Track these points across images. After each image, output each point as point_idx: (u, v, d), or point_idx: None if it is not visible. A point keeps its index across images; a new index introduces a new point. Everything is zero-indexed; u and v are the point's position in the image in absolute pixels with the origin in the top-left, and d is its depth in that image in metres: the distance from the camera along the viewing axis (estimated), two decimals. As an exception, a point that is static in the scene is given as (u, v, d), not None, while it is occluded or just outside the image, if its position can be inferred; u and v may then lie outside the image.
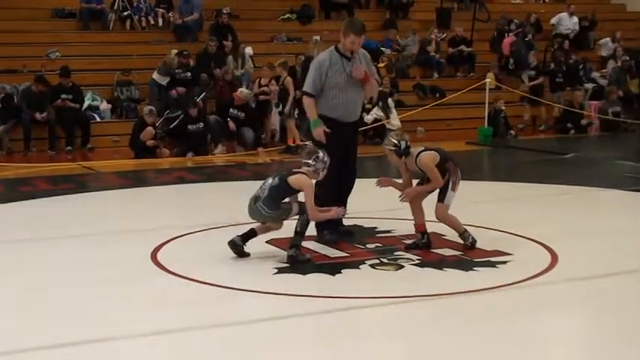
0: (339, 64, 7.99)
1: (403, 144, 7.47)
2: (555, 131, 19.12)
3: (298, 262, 7.05)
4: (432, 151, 7.51)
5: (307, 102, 8.02)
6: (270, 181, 7.28)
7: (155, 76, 17.12)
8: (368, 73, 8.04)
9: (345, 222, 8.21)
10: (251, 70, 18.17)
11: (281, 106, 16.40)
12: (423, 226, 7.64)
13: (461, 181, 7.66)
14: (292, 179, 7.16)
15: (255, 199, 7.22)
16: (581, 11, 23.37)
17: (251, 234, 7.35)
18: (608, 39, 22.68)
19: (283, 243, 7.51)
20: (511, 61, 20.47)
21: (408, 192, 7.59)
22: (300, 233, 7.17)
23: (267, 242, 7.70)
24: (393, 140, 7.53)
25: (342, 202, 7.83)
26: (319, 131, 7.86)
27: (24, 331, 5.47)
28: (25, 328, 5.55)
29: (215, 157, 15.15)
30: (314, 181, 7.26)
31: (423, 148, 7.60)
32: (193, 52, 17.81)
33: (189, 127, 15.26)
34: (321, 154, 7.29)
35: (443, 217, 7.57)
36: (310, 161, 7.25)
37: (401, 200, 7.62)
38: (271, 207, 7.18)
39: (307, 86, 8.02)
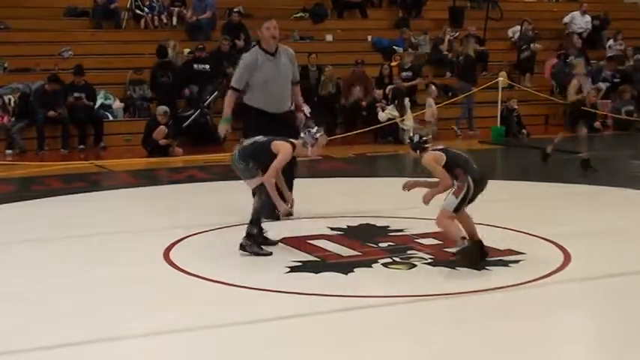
0: (266, 62, 8.78)
1: (417, 137, 7.17)
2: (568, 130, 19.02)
3: (247, 252, 7.26)
4: (439, 152, 7.03)
5: (228, 96, 9.01)
6: (260, 137, 7.42)
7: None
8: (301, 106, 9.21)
9: (356, 221, 8.22)
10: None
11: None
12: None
13: (476, 194, 7.00)
14: (275, 142, 7.32)
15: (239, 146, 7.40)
16: (593, 10, 23.31)
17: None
18: (612, 40, 22.61)
19: (296, 242, 7.52)
20: (554, 84, 20.09)
21: (407, 183, 7.31)
22: (253, 222, 7.34)
23: (279, 241, 7.70)
24: (410, 133, 7.47)
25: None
26: (222, 128, 9.02)
27: (23, 331, 5.48)
28: (36, 327, 5.57)
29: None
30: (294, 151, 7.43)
31: (440, 147, 7.19)
32: (207, 50, 17.82)
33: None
34: (313, 129, 7.43)
35: (438, 221, 7.01)
36: (302, 134, 7.38)
37: (403, 188, 7.31)
38: (242, 157, 7.35)
39: (234, 82, 8.95)
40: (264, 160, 7.36)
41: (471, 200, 6.98)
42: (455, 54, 20.18)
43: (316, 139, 7.39)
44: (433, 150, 7.06)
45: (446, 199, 6.88)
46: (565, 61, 20.49)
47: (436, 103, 18.46)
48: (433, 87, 18.38)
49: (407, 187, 7.29)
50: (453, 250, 6.94)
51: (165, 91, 16.80)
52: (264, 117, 8.74)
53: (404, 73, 18.60)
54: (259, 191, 7.36)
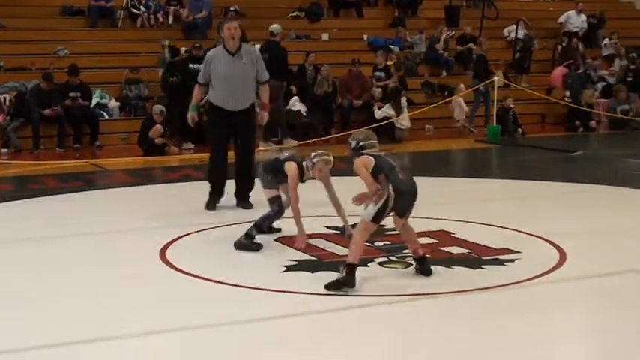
0: (225, 60, 9.24)
1: (354, 143, 6.72)
2: (563, 129, 19.08)
3: (241, 248, 7.43)
4: (370, 157, 6.58)
5: (195, 89, 9.56)
6: (281, 155, 7.87)
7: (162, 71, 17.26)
8: (266, 105, 9.71)
9: (351, 220, 8.19)
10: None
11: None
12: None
13: (400, 205, 6.47)
14: (287, 163, 7.54)
15: None
16: (589, 9, 23.34)
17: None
18: (607, 39, 22.65)
19: (292, 241, 7.52)
20: (567, 94, 20.01)
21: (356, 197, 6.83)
22: (256, 226, 7.58)
23: (275, 240, 7.71)
24: (350, 139, 6.93)
25: (238, 193, 9.48)
26: (191, 115, 9.60)
27: (23, 331, 5.48)
28: (31, 326, 5.57)
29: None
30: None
31: (376, 152, 6.69)
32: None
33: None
34: (312, 154, 7.56)
35: (355, 231, 6.65)
36: (306, 157, 7.58)
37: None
38: (265, 170, 7.70)
39: (199, 76, 9.55)
40: (281, 178, 7.58)
41: (400, 212, 6.56)
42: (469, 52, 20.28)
43: (314, 163, 7.46)
44: (368, 155, 6.64)
45: (366, 209, 6.50)
46: (576, 70, 20.52)
47: (431, 103, 18.50)
48: (462, 85, 18.42)
49: (355, 200, 6.73)
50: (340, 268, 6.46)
51: (175, 91, 16.77)
52: (222, 114, 9.30)
53: (377, 73, 18.48)
54: (272, 203, 7.65)
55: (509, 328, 5.53)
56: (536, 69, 21.42)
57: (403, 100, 17.28)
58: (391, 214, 6.52)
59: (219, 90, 9.33)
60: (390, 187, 6.39)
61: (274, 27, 16.78)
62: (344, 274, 6.28)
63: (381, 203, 6.39)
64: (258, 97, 9.75)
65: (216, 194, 9.55)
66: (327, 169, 7.59)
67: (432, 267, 6.83)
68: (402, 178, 6.46)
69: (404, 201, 6.47)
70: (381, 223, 8.34)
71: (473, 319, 5.70)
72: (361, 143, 6.67)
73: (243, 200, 9.50)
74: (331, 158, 7.60)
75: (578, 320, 5.92)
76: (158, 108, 15.28)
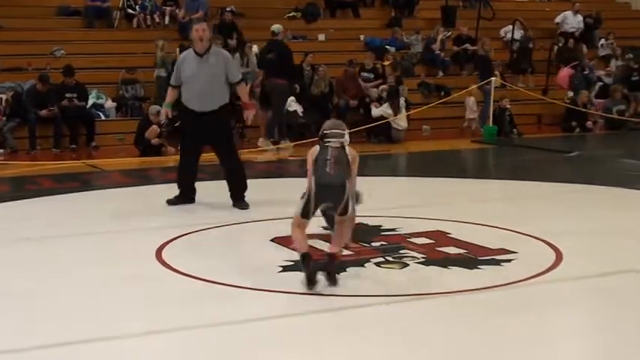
0: (193, 62, 9.42)
1: (321, 130, 6.59)
2: (560, 129, 19.10)
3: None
4: (317, 147, 6.53)
5: (168, 91, 9.85)
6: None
7: (157, 71, 17.24)
8: (248, 104, 10.07)
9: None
10: (256, 68, 18.17)
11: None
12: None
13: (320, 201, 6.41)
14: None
15: None
16: (585, 9, 23.36)
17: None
18: (603, 39, 22.67)
19: (288, 241, 7.52)
20: (570, 94, 20.00)
21: None
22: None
23: (271, 241, 7.71)
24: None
25: (232, 195, 9.56)
26: (164, 110, 9.98)
27: (26, 330, 5.48)
28: (27, 326, 5.56)
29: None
30: None
31: (335, 143, 6.50)
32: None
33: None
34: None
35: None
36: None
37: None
38: None
39: (171, 79, 9.84)
40: None
41: (320, 207, 6.53)
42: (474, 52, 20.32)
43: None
44: (323, 144, 6.54)
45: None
46: (582, 72, 20.54)
47: (427, 103, 18.51)
48: (474, 87, 18.46)
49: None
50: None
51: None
52: (192, 115, 9.46)
53: (364, 74, 18.40)
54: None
55: (508, 328, 5.53)
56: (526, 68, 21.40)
57: (402, 100, 17.28)
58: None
59: (187, 91, 9.49)
60: (313, 182, 6.35)
61: (276, 27, 16.83)
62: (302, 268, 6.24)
63: (305, 197, 6.38)
64: (238, 99, 9.87)
65: (182, 197, 9.73)
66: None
67: (430, 267, 6.84)
68: (326, 172, 6.33)
69: (322, 195, 6.34)
70: (378, 224, 8.44)
71: (471, 319, 5.70)
72: (325, 131, 6.53)
73: (238, 201, 9.52)
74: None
75: (576, 320, 5.92)
76: (155, 108, 15.25)
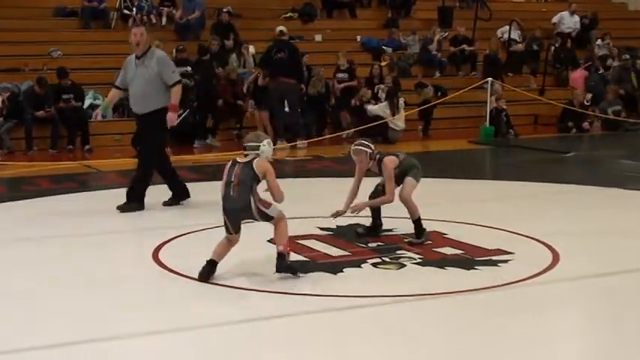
0: (133, 65, 9.70)
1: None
2: (556, 130, 19.11)
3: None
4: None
5: (110, 91, 10.24)
6: None
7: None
8: (172, 106, 9.66)
9: (345, 221, 8.25)
10: (253, 69, 18.18)
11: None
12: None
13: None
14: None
15: None
16: (582, 10, 23.38)
17: None
18: (599, 40, 22.70)
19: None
20: (589, 96, 19.89)
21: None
22: None
23: (268, 241, 7.71)
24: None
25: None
26: (97, 112, 10.71)
27: (22, 331, 5.48)
28: (24, 327, 5.57)
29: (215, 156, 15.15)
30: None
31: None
32: (195, 50, 17.82)
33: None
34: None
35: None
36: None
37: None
38: None
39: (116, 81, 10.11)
40: None
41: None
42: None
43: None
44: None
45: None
46: (596, 71, 20.54)
47: (424, 104, 18.49)
48: (497, 85, 18.53)
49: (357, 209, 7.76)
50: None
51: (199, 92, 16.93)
52: (134, 116, 10.01)
53: (339, 75, 18.20)
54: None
55: (508, 328, 5.55)
56: (528, 70, 21.41)
57: (401, 101, 17.24)
58: None
59: (130, 94, 9.89)
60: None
61: (282, 27, 16.87)
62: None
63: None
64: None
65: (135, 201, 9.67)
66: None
67: (426, 268, 6.85)
68: (229, 194, 6.63)
69: (229, 216, 6.70)
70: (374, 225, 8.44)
71: (470, 320, 5.71)
72: (248, 144, 6.77)
73: (125, 203, 9.56)
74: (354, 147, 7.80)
75: (574, 320, 5.94)
76: None
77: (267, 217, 6.68)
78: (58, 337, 5.34)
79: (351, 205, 7.78)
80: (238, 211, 6.60)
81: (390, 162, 7.68)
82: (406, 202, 7.73)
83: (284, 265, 6.57)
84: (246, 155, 6.65)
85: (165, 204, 9.80)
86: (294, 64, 16.41)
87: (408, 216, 7.82)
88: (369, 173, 7.84)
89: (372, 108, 17.03)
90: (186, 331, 5.46)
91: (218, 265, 6.66)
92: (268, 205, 6.68)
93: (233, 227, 6.69)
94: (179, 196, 9.90)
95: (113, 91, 10.10)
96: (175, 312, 5.87)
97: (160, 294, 6.35)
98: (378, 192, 7.89)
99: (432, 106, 18.24)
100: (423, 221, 7.80)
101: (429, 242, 7.68)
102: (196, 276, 6.59)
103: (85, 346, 5.22)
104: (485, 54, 19.83)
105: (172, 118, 9.69)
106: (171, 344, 5.28)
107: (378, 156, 7.73)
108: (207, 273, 6.58)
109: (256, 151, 6.64)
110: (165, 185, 9.97)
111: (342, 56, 18.56)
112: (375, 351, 5.14)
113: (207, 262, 6.62)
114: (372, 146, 7.76)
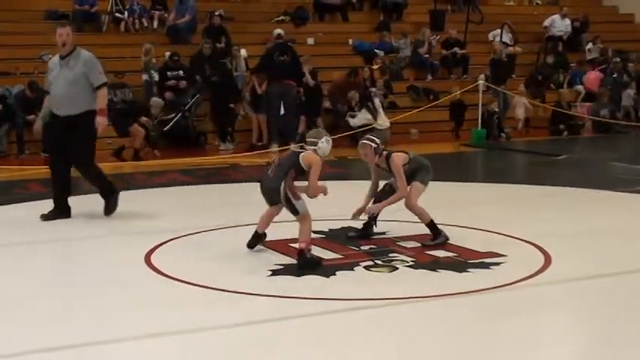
0: (57, 66, 9.46)
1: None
2: (548, 133, 19.16)
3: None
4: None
5: (45, 98, 9.66)
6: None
7: (144, 76, 17.27)
8: (101, 110, 9.33)
9: (337, 224, 8.26)
10: (245, 72, 18.18)
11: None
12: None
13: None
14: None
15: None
16: (573, 13, 23.44)
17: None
18: (590, 43, 22.77)
19: (277, 245, 7.53)
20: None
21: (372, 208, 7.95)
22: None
23: (262, 246, 7.71)
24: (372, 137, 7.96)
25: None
26: (35, 127, 9.85)
27: (15, 335, 5.47)
28: (16, 331, 5.55)
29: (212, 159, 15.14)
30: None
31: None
32: (187, 54, 17.81)
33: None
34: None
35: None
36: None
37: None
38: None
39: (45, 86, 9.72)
40: None
41: None
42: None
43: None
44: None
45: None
46: (611, 75, 20.58)
47: (418, 107, 18.52)
48: (522, 86, 18.66)
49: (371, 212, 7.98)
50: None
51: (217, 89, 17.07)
52: (53, 119, 9.41)
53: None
54: None
55: (502, 330, 5.55)
56: (521, 72, 21.43)
57: (377, 101, 16.82)
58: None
59: (51, 95, 9.44)
60: None
61: (280, 30, 16.89)
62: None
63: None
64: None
65: (57, 209, 9.38)
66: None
67: (419, 270, 6.86)
68: (266, 174, 7.21)
69: (263, 193, 7.28)
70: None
71: (464, 322, 5.71)
72: (307, 139, 7.30)
73: (52, 212, 9.37)
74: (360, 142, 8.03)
75: (568, 322, 5.94)
76: (156, 102, 15.41)
77: (292, 209, 7.03)
78: (54, 342, 5.31)
79: (367, 207, 7.93)
80: (269, 190, 7.12)
81: (399, 158, 7.80)
82: (412, 208, 7.79)
83: (304, 262, 6.87)
84: (302, 148, 7.14)
85: (45, 218, 9.26)
86: (296, 67, 16.42)
87: (401, 219, 7.83)
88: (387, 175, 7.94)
89: (353, 121, 16.67)
90: (181, 334, 5.46)
91: (259, 238, 7.45)
92: (297, 197, 7.00)
93: (268, 202, 7.26)
94: (60, 213, 9.36)
95: (47, 98, 9.57)
96: (170, 315, 5.85)
97: (149, 298, 6.32)
98: (386, 192, 7.90)
99: (464, 107, 18.34)
100: (421, 222, 7.83)
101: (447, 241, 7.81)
102: (191, 279, 6.59)
103: (80, 351, 5.20)
104: (491, 58, 19.82)
105: (103, 123, 9.36)
106: (167, 347, 5.28)
107: (385, 152, 7.83)
108: (253, 243, 7.41)
109: (314, 147, 7.07)
110: (141, 190, 9.84)
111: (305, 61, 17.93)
112: (369, 353, 5.14)
113: (253, 235, 7.41)
114: (378, 141, 7.89)
